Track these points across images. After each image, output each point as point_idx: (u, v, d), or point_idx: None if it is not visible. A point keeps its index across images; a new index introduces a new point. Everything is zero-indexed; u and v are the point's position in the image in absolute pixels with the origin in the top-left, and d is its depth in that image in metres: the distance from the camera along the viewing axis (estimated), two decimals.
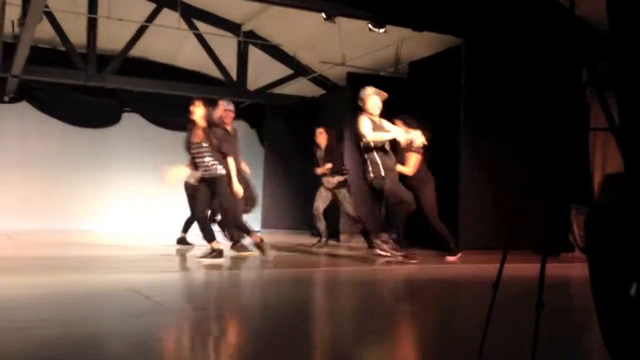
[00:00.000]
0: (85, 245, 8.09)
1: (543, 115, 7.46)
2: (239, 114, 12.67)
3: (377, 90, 6.61)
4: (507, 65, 8.03)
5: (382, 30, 7.96)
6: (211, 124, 6.34)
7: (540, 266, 2.13)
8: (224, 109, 7.20)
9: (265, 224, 11.97)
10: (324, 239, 8.36)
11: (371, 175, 6.37)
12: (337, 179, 8.08)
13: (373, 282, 5.59)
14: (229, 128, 7.16)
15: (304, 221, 10.98)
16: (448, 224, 7.03)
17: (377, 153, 6.38)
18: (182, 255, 7.09)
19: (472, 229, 7.84)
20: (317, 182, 8.26)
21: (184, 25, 9.82)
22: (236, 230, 6.81)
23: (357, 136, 6.52)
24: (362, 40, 9.06)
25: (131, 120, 11.86)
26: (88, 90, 10.54)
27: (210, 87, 10.99)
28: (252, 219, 12.73)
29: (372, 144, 6.38)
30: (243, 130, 12.98)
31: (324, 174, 8.11)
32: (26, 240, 8.67)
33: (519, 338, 2.72)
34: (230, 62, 10.80)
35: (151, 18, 9.90)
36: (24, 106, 10.86)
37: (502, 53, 8.12)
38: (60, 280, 4.81)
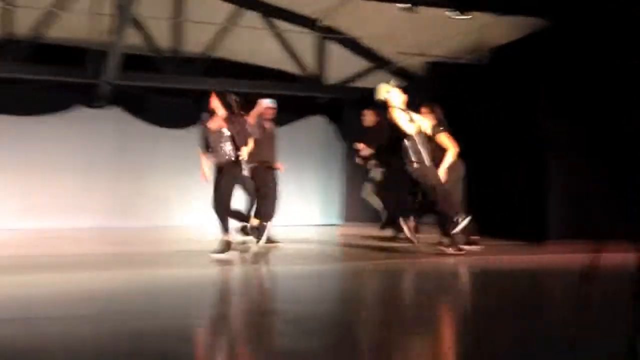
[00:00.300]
0: (179, 241, 8.45)
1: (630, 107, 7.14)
2: (318, 109, 12.84)
3: (388, 86, 6.91)
4: (596, 52, 7.70)
5: (463, 17, 7.82)
6: (231, 113, 6.44)
7: (634, 256, 2.08)
8: (265, 106, 7.42)
9: (347, 218, 12.08)
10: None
11: (415, 164, 6.61)
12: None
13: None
14: (267, 125, 7.38)
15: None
16: (535, 212, 6.89)
17: (418, 142, 6.65)
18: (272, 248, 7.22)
19: (561, 219, 7.63)
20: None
21: (263, 24, 10.04)
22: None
23: (395, 129, 6.75)
24: (441, 28, 8.95)
25: None
26: (174, 92, 10.97)
27: (288, 84, 11.18)
28: (333, 214, 12.95)
29: (412, 135, 6.67)
30: (322, 126, 13.14)
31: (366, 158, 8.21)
32: (118, 237, 9.14)
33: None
34: (308, 58, 10.94)
35: (232, 19, 10.18)
36: (116, 111, 11.39)
37: (591, 38, 7.79)
38: (155, 273, 5.08)
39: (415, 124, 6.76)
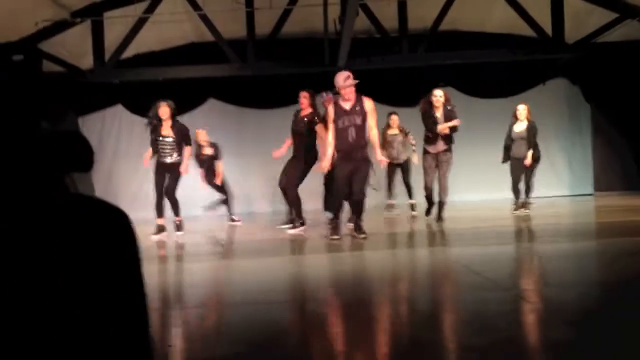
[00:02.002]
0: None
1: None
2: (559, 72, 11.89)
3: None
4: None
5: None
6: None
7: None
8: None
9: (597, 187, 11.05)
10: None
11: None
12: None
13: None
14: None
15: None
16: None
17: None
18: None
19: None
20: None
21: None
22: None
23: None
24: None
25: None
26: (403, 71, 11.02)
27: (523, 48, 10.50)
28: (584, 183, 11.95)
29: None
30: (564, 89, 12.15)
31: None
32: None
33: None
34: (543, 17, 10.14)
35: None
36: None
37: None
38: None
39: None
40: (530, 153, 8.55)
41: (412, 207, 9.56)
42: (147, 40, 10.48)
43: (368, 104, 6.39)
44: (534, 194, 8.99)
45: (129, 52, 10.30)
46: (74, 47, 9.91)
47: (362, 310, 3.06)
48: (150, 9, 9.57)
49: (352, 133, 6.20)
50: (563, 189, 11.93)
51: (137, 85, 10.57)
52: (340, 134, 6.25)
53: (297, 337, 2.32)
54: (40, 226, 0.99)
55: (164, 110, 7.61)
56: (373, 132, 6.35)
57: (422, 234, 7.11)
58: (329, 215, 6.66)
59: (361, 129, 6.27)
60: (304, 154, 7.58)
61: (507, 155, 8.79)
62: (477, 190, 11.40)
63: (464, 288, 3.49)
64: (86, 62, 9.96)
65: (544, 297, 3.23)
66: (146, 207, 8.65)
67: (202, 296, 3.91)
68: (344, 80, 6.41)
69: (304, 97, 7.66)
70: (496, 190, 10.60)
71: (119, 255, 1.02)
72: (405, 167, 9.60)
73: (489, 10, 10.74)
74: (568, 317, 2.62)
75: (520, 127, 8.67)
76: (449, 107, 8.01)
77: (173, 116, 7.76)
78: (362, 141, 6.29)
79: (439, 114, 7.95)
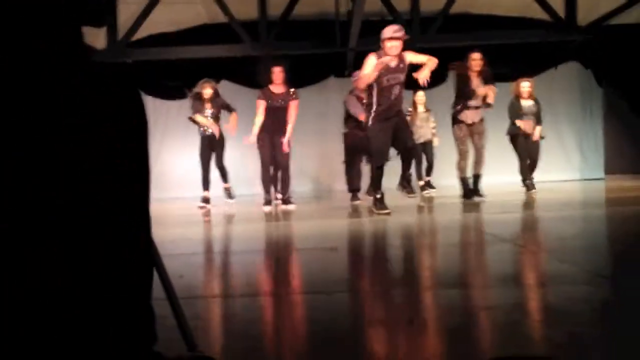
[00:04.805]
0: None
1: None
2: (571, 55, 11.84)
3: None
4: None
5: None
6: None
7: None
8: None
9: (608, 170, 11.04)
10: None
11: None
12: None
13: None
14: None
15: None
16: None
17: None
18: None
19: None
20: None
21: None
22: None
23: None
24: None
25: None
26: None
27: (534, 31, 10.47)
28: (594, 166, 11.95)
29: None
30: (576, 72, 12.09)
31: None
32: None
33: None
34: (556, 0, 10.10)
35: None
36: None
37: None
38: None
39: None
40: (539, 128, 8.49)
41: (429, 184, 9.60)
42: (160, 21, 10.56)
43: (409, 55, 6.10)
44: (546, 177, 8.93)
45: (141, 33, 10.38)
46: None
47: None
48: None
49: (395, 91, 6.00)
50: (574, 172, 11.94)
51: (149, 65, 10.65)
52: (383, 93, 6.00)
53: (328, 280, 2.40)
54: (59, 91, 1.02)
55: (207, 90, 8.14)
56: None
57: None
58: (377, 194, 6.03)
59: (403, 86, 6.09)
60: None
61: (514, 129, 8.59)
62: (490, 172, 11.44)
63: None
64: (100, 41, 10.06)
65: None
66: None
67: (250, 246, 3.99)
68: (394, 31, 5.98)
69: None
70: (510, 173, 10.59)
71: (130, 125, 1.09)
72: (430, 145, 9.71)
73: None
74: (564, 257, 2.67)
75: (528, 102, 8.59)
76: (488, 72, 7.49)
77: (216, 94, 8.24)
78: (402, 99, 6.18)
79: (475, 80, 7.41)
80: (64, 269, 1.01)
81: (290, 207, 7.40)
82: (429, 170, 9.82)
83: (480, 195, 7.40)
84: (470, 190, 7.40)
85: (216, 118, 8.27)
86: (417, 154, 9.14)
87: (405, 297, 2.33)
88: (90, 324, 1.05)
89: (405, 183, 6.27)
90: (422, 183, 9.61)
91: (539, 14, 10.48)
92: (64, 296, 1.02)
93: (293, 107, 7.55)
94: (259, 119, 7.54)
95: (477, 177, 7.51)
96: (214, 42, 10.37)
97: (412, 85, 6.59)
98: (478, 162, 7.45)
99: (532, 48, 11.14)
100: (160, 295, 1.43)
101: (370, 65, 5.95)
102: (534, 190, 8.20)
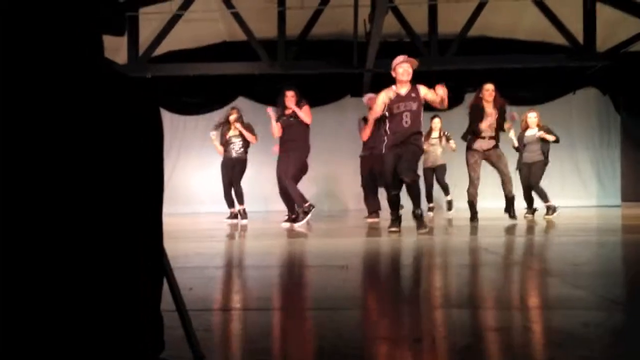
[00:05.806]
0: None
1: None
2: (589, 81, 11.80)
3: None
4: None
5: None
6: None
7: None
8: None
9: (625, 197, 10.93)
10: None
11: None
12: None
13: None
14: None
15: None
16: None
17: None
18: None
19: None
20: None
21: None
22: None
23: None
24: None
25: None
26: (432, 75, 11.04)
27: (553, 55, 10.47)
28: (612, 193, 11.82)
29: None
30: (594, 98, 12.05)
31: None
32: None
33: None
34: (575, 25, 10.10)
35: None
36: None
37: None
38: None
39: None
40: (539, 133, 8.34)
41: (449, 205, 9.88)
42: (181, 38, 10.70)
43: (423, 89, 6.22)
44: (562, 202, 8.89)
45: (162, 49, 10.52)
46: (110, 41, 10.08)
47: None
48: (185, 6, 9.78)
49: (406, 118, 6.10)
50: (590, 199, 11.84)
51: (168, 80, 10.78)
52: (394, 119, 6.16)
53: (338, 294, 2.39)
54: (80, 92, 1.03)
55: (233, 115, 8.65)
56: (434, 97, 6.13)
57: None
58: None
59: (416, 115, 6.14)
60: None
61: (518, 164, 8.67)
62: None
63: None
64: (121, 57, 10.21)
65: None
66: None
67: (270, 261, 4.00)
68: (404, 58, 6.26)
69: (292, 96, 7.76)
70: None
71: (146, 135, 1.10)
72: (441, 170, 9.76)
73: (519, 16, 10.74)
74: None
75: (532, 132, 8.54)
76: (501, 101, 7.52)
77: (239, 119, 8.64)
78: (416, 127, 6.16)
79: (489, 109, 7.46)
80: (74, 274, 1.02)
81: (296, 225, 7.38)
82: (446, 192, 9.95)
83: (512, 217, 7.54)
84: (475, 213, 7.51)
85: (243, 142, 8.68)
86: (426, 180, 9.37)
87: (414, 316, 2.32)
88: (98, 329, 1.06)
89: (414, 218, 6.25)
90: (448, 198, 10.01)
91: (557, 39, 10.49)
92: (74, 301, 1.03)
93: (305, 110, 7.63)
94: (276, 129, 7.77)
95: (507, 199, 7.60)
96: (232, 60, 10.49)
97: (428, 109, 6.66)
98: (504, 184, 7.54)
99: (551, 73, 11.13)
100: (169, 307, 1.44)
101: (379, 100, 6.29)
102: (545, 215, 8.29)
